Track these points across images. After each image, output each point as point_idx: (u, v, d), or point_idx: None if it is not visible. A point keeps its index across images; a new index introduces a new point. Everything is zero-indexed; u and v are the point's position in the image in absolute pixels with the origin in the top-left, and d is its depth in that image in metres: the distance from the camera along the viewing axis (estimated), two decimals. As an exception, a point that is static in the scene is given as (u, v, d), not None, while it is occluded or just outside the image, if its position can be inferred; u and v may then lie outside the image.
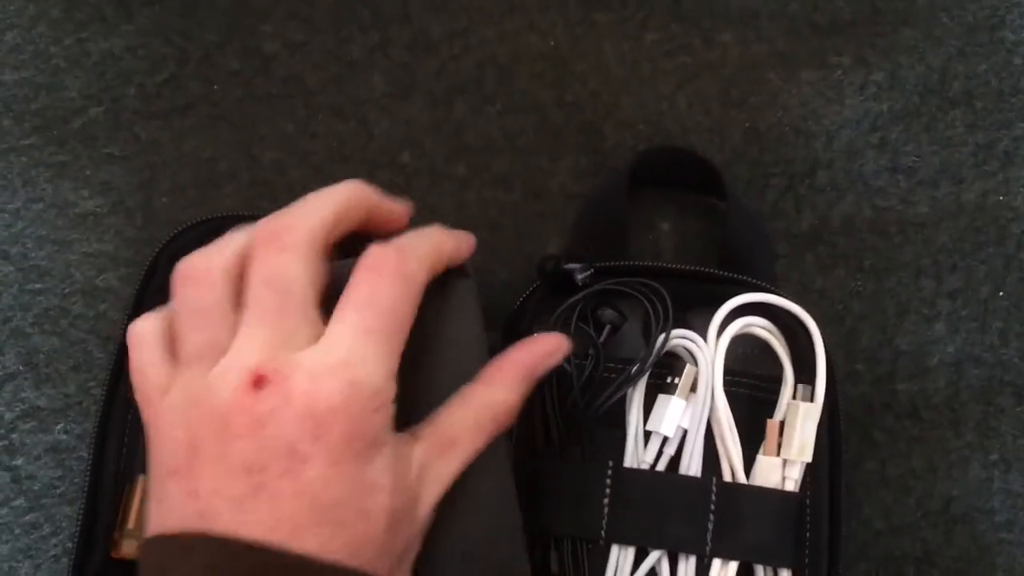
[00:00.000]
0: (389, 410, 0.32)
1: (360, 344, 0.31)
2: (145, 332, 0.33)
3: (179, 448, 0.30)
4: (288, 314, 0.31)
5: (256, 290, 0.32)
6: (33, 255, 0.46)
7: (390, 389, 0.32)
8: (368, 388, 0.31)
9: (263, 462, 0.29)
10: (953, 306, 0.48)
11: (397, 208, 0.38)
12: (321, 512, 0.30)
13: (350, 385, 0.30)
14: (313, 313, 0.32)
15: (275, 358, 0.30)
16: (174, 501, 0.30)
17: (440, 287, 0.36)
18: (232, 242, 0.34)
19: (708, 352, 0.42)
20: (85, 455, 0.43)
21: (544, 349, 0.38)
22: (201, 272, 0.33)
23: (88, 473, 0.41)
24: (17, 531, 0.43)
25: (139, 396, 0.32)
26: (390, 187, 0.48)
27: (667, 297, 0.42)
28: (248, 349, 0.31)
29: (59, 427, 0.44)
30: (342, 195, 0.35)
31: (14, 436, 0.44)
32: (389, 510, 0.31)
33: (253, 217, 0.43)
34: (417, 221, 0.47)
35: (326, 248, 0.34)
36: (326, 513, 0.30)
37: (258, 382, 0.30)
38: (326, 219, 0.34)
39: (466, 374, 0.36)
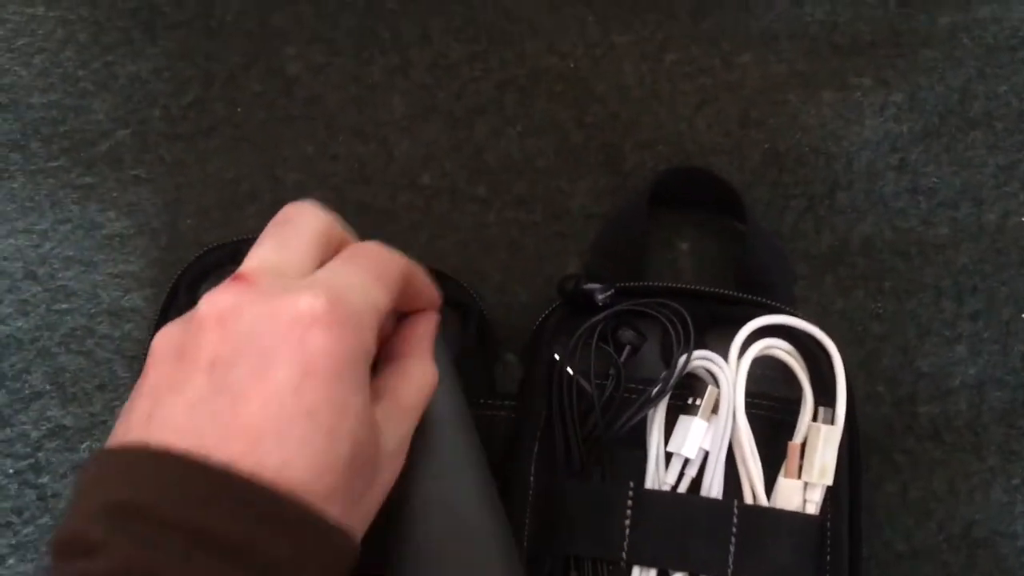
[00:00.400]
0: (370, 336, 0.30)
1: (347, 271, 0.30)
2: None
3: (156, 360, 0.28)
4: (289, 245, 0.30)
5: (272, 225, 0.32)
6: (60, 275, 0.47)
7: (373, 317, 0.30)
8: (351, 306, 0.29)
9: (229, 358, 0.27)
10: (974, 328, 0.48)
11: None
12: (288, 423, 0.26)
13: (334, 299, 0.28)
14: (313, 254, 0.31)
15: (261, 267, 0.29)
16: (132, 412, 0.27)
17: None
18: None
19: (730, 373, 0.42)
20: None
21: (436, 320, 0.37)
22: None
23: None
24: (43, 549, 0.44)
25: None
26: (411, 208, 0.48)
27: (688, 318, 0.42)
28: (243, 264, 0.30)
29: (84, 446, 0.45)
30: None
31: (40, 455, 0.45)
32: (355, 438, 0.28)
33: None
34: (438, 242, 0.48)
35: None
36: (293, 426, 0.27)
37: (238, 278, 0.29)
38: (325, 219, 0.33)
39: (461, 447, 0.37)
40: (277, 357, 0.27)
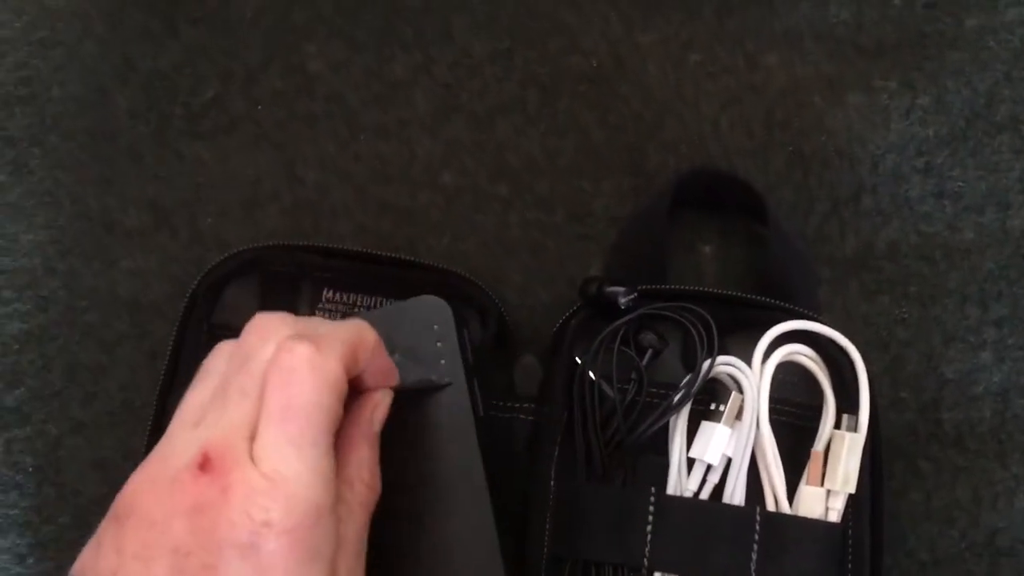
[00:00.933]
0: (330, 519, 0.31)
1: (288, 459, 0.31)
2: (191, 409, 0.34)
3: (129, 494, 0.31)
4: (248, 399, 0.31)
5: (233, 370, 0.33)
6: (80, 272, 0.46)
7: (328, 496, 0.31)
8: (306, 504, 0.30)
9: (190, 548, 0.29)
10: (999, 334, 0.47)
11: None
12: None
13: (286, 502, 0.30)
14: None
15: (225, 443, 0.30)
16: (102, 547, 0.30)
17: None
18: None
19: (754, 379, 0.42)
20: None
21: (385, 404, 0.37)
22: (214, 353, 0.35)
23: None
24: (63, 547, 0.44)
25: None
26: (432, 208, 0.48)
27: (712, 323, 0.42)
28: (212, 423, 0.31)
29: (105, 443, 0.45)
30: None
31: (61, 452, 0.45)
32: None
33: (287, 247, 0.44)
34: (459, 243, 0.48)
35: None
36: None
37: (204, 464, 0.30)
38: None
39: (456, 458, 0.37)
40: (232, 565, 0.29)
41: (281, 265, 0.44)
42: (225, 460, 0.30)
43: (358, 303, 0.44)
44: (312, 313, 0.44)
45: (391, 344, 0.37)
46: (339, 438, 0.34)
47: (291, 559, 0.29)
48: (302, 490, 0.30)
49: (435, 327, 0.39)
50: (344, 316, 0.44)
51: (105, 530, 0.31)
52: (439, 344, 0.39)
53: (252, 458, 0.30)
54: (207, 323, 0.43)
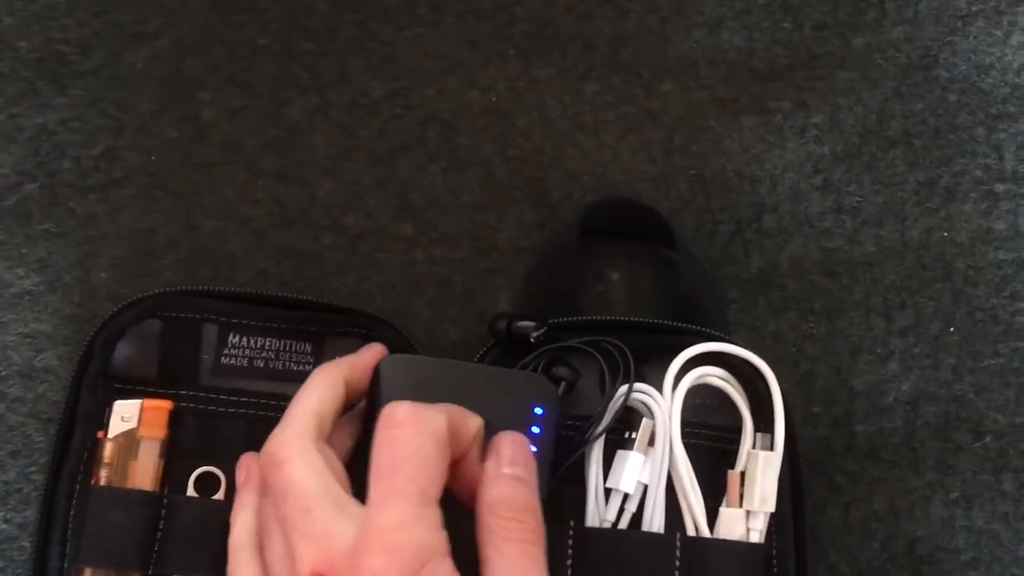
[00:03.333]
0: (442, 561, 0.32)
1: (392, 509, 0.32)
2: (237, 543, 0.36)
3: None
4: (313, 515, 0.32)
5: (279, 509, 0.33)
6: (-32, 338, 0.45)
7: (436, 540, 0.32)
8: (411, 550, 0.31)
9: None
10: (905, 344, 0.48)
11: (369, 356, 0.39)
12: None
13: (390, 554, 0.31)
14: (339, 496, 0.33)
15: (324, 559, 0.31)
16: None
17: None
18: None
19: (665, 404, 0.42)
20: (27, 545, 0.42)
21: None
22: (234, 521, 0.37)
23: (32, 566, 0.40)
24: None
25: None
26: (336, 250, 0.47)
27: (625, 351, 0.42)
28: (300, 558, 0.32)
29: (0, 516, 0.43)
30: (318, 389, 0.37)
31: (-49, 528, 0.42)
32: None
33: (188, 292, 0.43)
34: (364, 284, 0.47)
35: (323, 436, 0.36)
36: None
37: None
38: (304, 415, 0.36)
39: None
40: None
41: (182, 311, 0.43)
42: (332, 566, 0.31)
43: (267, 347, 0.43)
44: (218, 360, 0.43)
45: (483, 407, 0.37)
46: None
47: None
48: (404, 537, 0.31)
49: (534, 409, 0.38)
50: (251, 363, 0.43)
51: None
52: (534, 429, 0.38)
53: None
54: (104, 376, 0.42)
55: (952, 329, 0.48)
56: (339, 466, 0.35)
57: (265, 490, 0.35)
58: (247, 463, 0.38)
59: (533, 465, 0.36)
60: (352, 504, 0.33)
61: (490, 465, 0.35)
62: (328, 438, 0.36)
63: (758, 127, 0.50)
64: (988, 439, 0.47)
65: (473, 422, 0.36)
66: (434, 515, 0.32)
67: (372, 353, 0.39)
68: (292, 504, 0.33)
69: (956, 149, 0.51)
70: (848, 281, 0.49)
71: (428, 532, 0.32)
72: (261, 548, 0.35)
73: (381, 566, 0.31)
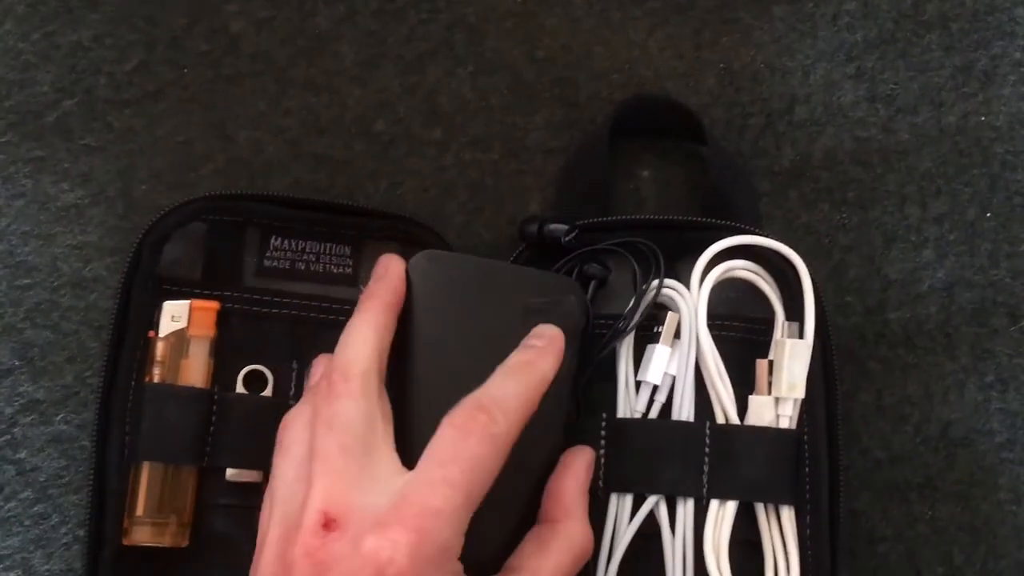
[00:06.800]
0: (455, 567, 0.32)
1: (436, 495, 0.31)
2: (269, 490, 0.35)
3: None
4: (352, 457, 0.32)
5: (320, 438, 0.33)
6: (19, 251, 0.46)
7: (458, 546, 0.32)
8: (436, 543, 0.31)
9: None
10: (940, 231, 0.48)
11: (398, 270, 0.39)
12: None
13: (418, 537, 0.30)
14: (381, 452, 0.33)
15: (342, 501, 0.31)
16: None
17: None
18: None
19: (690, 297, 0.42)
20: (87, 444, 0.44)
21: (585, 465, 0.39)
22: (286, 425, 0.36)
23: (93, 463, 0.41)
24: (27, 522, 0.44)
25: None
26: (367, 157, 0.48)
27: (658, 251, 0.42)
28: (318, 491, 0.32)
29: (59, 418, 0.45)
30: (376, 319, 0.37)
31: (16, 430, 0.45)
32: None
33: (232, 196, 0.44)
34: (397, 189, 0.48)
35: (380, 376, 0.36)
36: None
37: (328, 525, 0.31)
38: (371, 353, 0.35)
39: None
40: None
41: (226, 214, 0.44)
42: (347, 514, 0.31)
43: (308, 250, 0.44)
44: (261, 262, 0.44)
45: (521, 303, 0.38)
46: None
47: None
48: (435, 528, 0.31)
49: (559, 309, 0.39)
50: (293, 265, 0.44)
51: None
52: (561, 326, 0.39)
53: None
54: (153, 278, 0.43)
55: (989, 215, 0.48)
56: (391, 415, 0.35)
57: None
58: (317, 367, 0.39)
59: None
60: (390, 464, 0.33)
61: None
62: None
63: (789, 16, 0.49)
64: (1025, 323, 0.47)
65: (547, 373, 0.37)
66: (467, 520, 0.32)
67: (399, 266, 0.39)
68: (334, 436, 0.33)
69: (994, 31, 0.49)
70: (882, 170, 0.48)
71: (457, 534, 0.32)
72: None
73: (404, 543, 0.30)
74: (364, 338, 0.36)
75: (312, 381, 0.39)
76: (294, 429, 0.36)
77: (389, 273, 0.38)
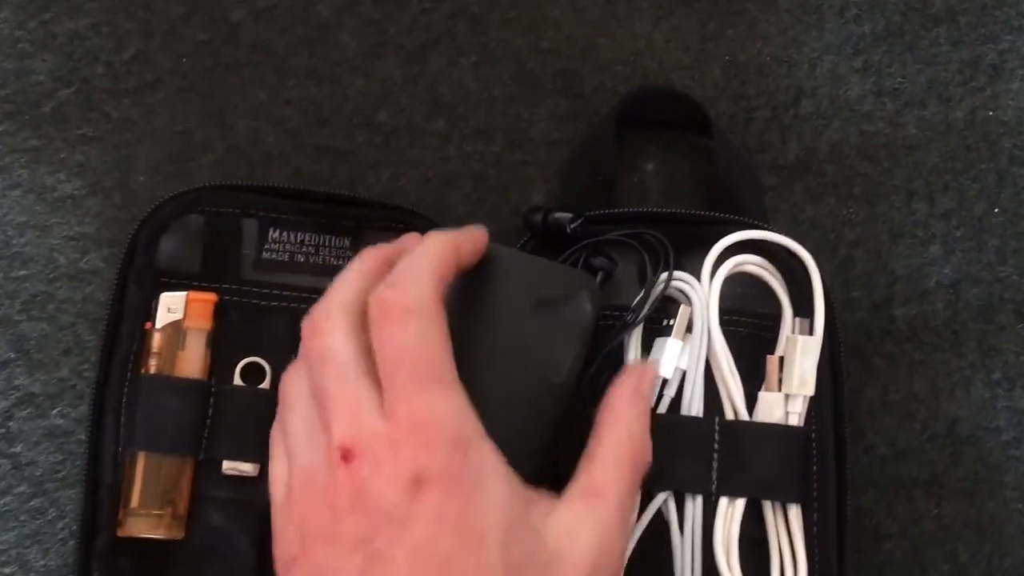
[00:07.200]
0: (475, 443, 0.32)
1: (415, 400, 0.31)
2: (273, 435, 0.36)
3: (293, 538, 0.32)
4: (348, 384, 0.32)
5: (316, 376, 0.33)
6: (15, 242, 0.46)
7: (467, 422, 0.32)
8: (444, 434, 0.31)
9: (370, 533, 0.30)
10: (947, 227, 0.47)
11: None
12: (438, 570, 0.30)
13: (425, 441, 0.31)
14: (367, 380, 0.33)
15: (356, 429, 0.31)
16: None
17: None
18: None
19: (702, 291, 0.42)
20: (83, 438, 0.43)
21: (648, 376, 0.39)
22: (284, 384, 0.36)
23: (88, 455, 0.41)
24: (23, 517, 0.44)
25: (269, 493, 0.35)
26: (369, 147, 0.47)
27: (667, 243, 0.42)
28: (334, 428, 0.32)
29: (55, 412, 0.44)
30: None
31: (11, 424, 0.44)
32: (504, 561, 0.31)
33: (229, 187, 0.43)
34: (399, 180, 0.47)
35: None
36: (443, 571, 0.30)
37: (347, 456, 0.31)
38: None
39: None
40: (409, 520, 0.30)
41: (223, 206, 0.43)
42: (364, 439, 0.31)
43: (307, 242, 0.44)
44: (260, 255, 0.43)
45: (534, 295, 0.37)
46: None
47: (451, 497, 0.31)
48: (436, 424, 0.31)
49: (571, 302, 0.39)
50: (292, 257, 0.44)
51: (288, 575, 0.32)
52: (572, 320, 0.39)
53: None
54: (150, 270, 0.43)
55: (996, 210, 0.47)
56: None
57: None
58: None
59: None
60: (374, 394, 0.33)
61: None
62: None
63: (795, 8, 0.49)
64: (1032, 320, 0.46)
65: (466, 241, 0.36)
66: (457, 391, 0.32)
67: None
68: (326, 369, 0.33)
69: (1003, 25, 0.49)
70: (889, 165, 0.48)
71: (457, 415, 0.32)
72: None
73: (420, 452, 0.31)
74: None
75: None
76: (293, 381, 0.36)
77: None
